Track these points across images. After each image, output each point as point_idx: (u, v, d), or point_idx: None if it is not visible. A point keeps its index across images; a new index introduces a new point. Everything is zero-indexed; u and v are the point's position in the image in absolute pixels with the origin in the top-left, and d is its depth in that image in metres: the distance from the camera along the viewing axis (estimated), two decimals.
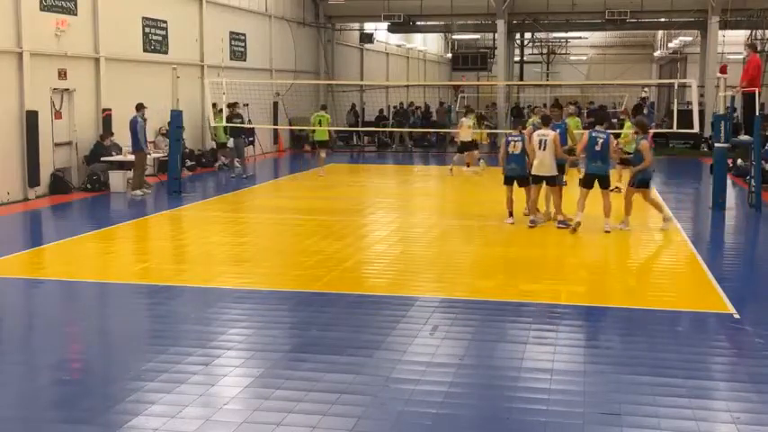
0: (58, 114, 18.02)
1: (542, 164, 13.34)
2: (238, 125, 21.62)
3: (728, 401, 6.19)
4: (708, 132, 26.95)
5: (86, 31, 18.69)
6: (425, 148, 32.78)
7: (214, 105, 21.04)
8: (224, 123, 21.32)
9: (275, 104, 27.75)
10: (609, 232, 13.01)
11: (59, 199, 17.08)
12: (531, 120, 18.35)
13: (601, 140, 13.06)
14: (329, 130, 23.20)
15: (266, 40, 28.44)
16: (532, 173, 13.50)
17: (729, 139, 16.40)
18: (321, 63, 33.24)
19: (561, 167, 14.07)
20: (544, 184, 13.67)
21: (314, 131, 22.40)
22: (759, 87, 17.25)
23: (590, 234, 13.42)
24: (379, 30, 36.37)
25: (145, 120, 18.12)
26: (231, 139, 21.87)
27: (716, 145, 16.10)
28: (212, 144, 24.33)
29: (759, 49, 26.37)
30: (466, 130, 22.01)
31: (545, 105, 37.47)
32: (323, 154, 22.20)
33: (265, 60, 28.39)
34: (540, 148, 13.32)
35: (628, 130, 18.01)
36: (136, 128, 17.64)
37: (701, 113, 24.15)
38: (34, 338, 8.01)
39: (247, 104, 23.84)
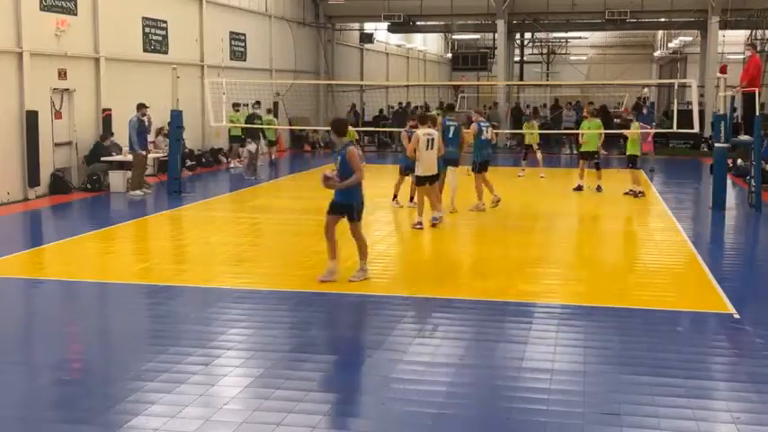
0: (58, 114, 18.02)
1: (432, 164, 13.23)
2: (257, 126, 21.81)
3: (728, 401, 6.19)
4: (708, 132, 26.95)
5: (86, 31, 18.69)
6: None
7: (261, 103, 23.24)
8: (241, 124, 21.66)
9: (275, 104, 27.75)
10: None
11: (59, 199, 17.07)
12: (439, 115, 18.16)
13: (452, 128, 14.79)
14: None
15: (266, 40, 28.44)
16: (424, 174, 13.20)
17: (729, 139, 16.40)
18: (321, 63, 33.24)
19: (456, 162, 15.05)
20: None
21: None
22: (759, 87, 17.25)
23: (590, 234, 13.42)
24: (379, 30, 36.36)
25: (148, 120, 18.04)
26: (253, 143, 21.75)
27: (716, 145, 16.09)
28: (211, 144, 24.35)
29: (759, 49, 26.39)
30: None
31: (545, 105, 37.46)
32: None
33: (265, 60, 28.39)
34: (427, 147, 13.09)
35: (635, 130, 18.07)
36: (129, 128, 17.65)
37: (701, 113, 24.15)
38: (34, 338, 8.02)
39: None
